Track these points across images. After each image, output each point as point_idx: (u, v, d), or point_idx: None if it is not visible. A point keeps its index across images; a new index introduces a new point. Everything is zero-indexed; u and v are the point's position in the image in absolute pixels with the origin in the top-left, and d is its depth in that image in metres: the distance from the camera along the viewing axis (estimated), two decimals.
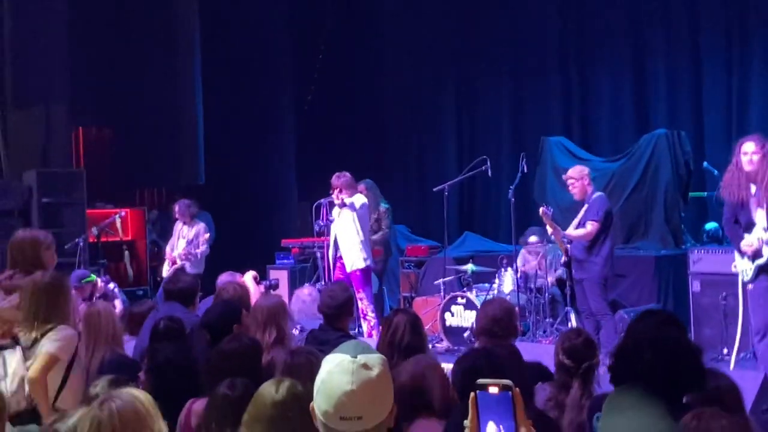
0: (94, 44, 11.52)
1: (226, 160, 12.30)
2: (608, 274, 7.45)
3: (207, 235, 9.64)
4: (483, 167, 9.04)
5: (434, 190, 9.44)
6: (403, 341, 4.00)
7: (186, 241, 9.66)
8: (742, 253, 6.13)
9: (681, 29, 10.61)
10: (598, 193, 7.67)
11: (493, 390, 1.77)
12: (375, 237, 9.25)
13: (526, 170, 8.77)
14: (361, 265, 8.21)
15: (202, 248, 9.60)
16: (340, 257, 8.30)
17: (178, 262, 9.59)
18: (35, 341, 3.98)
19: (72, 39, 11.17)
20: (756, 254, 6.02)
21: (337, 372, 1.97)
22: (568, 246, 7.56)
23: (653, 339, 2.35)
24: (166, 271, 9.66)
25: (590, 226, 7.30)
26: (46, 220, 9.95)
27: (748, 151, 5.95)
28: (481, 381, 1.78)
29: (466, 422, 1.78)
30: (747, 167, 5.90)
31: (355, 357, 1.98)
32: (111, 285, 8.41)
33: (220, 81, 12.36)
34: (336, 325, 4.67)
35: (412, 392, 3.21)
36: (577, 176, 7.57)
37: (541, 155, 10.30)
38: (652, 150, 9.29)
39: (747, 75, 10.01)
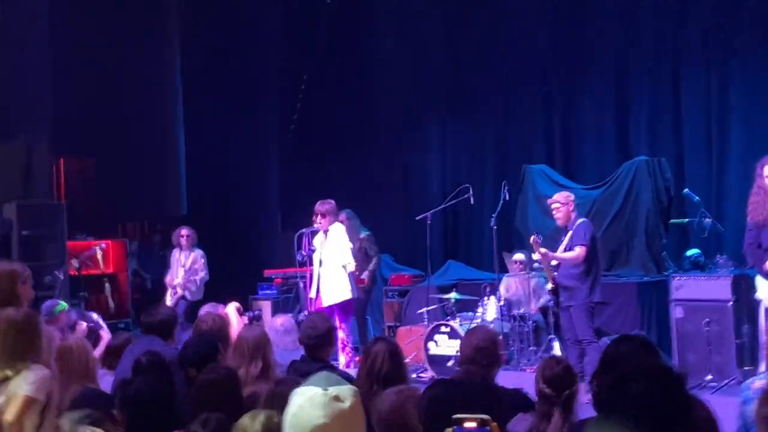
0: (75, 75, 11.49)
1: (208, 190, 12.28)
2: (595, 300, 7.45)
3: (202, 261, 9.75)
4: (466, 195, 9.08)
5: (417, 218, 9.46)
6: (382, 370, 3.97)
7: (184, 269, 9.72)
8: (766, 276, 6.19)
9: (661, 58, 10.71)
10: (582, 219, 7.67)
11: (470, 425, 1.74)
12: (371, 267, 9.31)
13: (508, 198, 8.81)
14: (345, 297, 8.19)
15: (201, 274, 9.69)
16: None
17: (180, 291, 9.66)
18: (6, 379, 3.90)
19: (54, 70, 11.17)
20: None
21: (308, 406, 1.94)
22: (555, 274, 7.52)
23: (640, 366, 2.33)
24: (169, 300, 9.69)
25: (579, 250, 7.28)
26: (25, 252, 9.87)
27: None
28: (457, 416, 1.75)
29: None
30: None
31: (327, 390, 1.96)
32: (95, 315, 8.32)
33: (202, 111, 12.36)
34: (317, 356, 4.60)
35: (392, 423, 3.17)
36: (563, 201, 7.56)
37: (523, 183, 10.34)
38: (632, 177, 9.34)
39: (726, 103, 10.10)
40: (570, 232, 7.45)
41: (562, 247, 7.45)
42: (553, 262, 7.53)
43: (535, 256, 7.74)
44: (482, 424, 1.74)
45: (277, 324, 5.72)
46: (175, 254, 9.93)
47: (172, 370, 4.54)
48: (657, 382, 2.28)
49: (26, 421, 3.83)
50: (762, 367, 6.45)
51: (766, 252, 6.24)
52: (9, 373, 3.91)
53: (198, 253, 9.83)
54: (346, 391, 1.98)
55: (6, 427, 3.77)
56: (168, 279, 9.92)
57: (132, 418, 3.37)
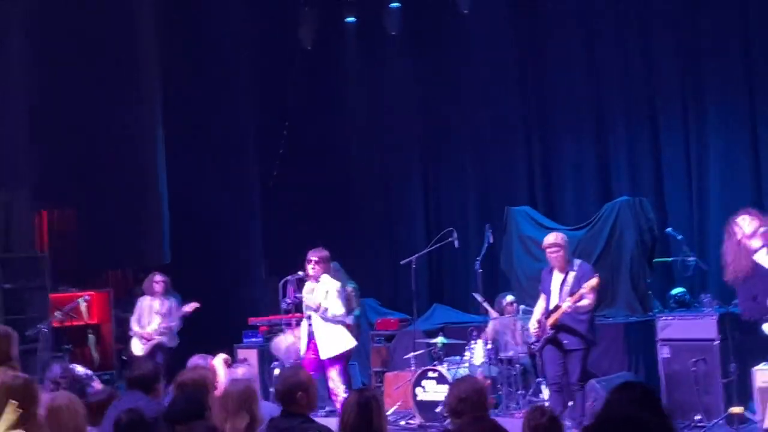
0: (55, 127, 11.47)
1: (190, 238, 12.20)
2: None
3: (192, 306, 9.70)
4: (450, 239, 9.08)
5: (402, 263, 9.44)
6: (349, 423, 3.88)
7: (160, 315, 9.58)
8: None
9: (639, 99, 10.83)
10: (580, 261, 7.65)
11: None
12: (349, 322, 9.14)
13: (492, 240, 8.82)
14: (348, 347, 8.12)
15: (176, 322, 9.66)
16: (314, 339, 8.12)
17: (156, 338, 9.50)
18: None
19: (33, 122, 11.14)
20: None
21: None
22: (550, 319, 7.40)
23: (631, 418, 2.32)
24: (139, 350, 9.56)
25: (591, 296, 7.23)
26: (7, 306, 9.78)
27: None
28: None
29: None
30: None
31: None
32: (81, 369, 8.20)
33: (183, 159, 12.33)
34: (294, 411, 4.50)
35: None
36: (562, 243, 7.49)
37: (507, 225, 10.37)
38: (615, 217, 9.39)
39: (704, 142, 10.21)
40: (572, 274, 7.35)
41: (567, 289, 7.32)
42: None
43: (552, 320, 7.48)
44: None
45: (237, 374, 5.64)
46: (146, 301, 9.77)
47: (156, 426, 4.48)
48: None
49: None
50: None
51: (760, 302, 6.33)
52: None
53: (173, 300, 9.78)
54: None
55: None
56: (135, 328, 9.73)
57: None
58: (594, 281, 7.19)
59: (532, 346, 7.78)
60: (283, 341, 8.84)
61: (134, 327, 9.75)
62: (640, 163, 10.78)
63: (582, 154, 11.33)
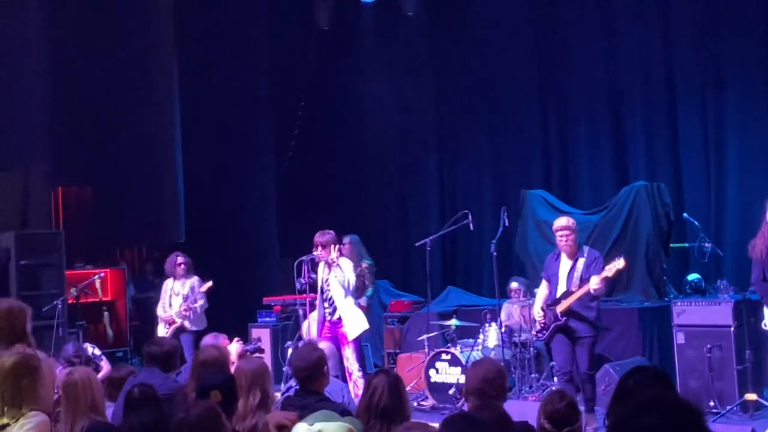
0: (73, 104, 11.51)
1: (206, 217, 12.25)
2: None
3: (208, 284, 9.20)
4: (465, 221, 9.04)
5: (416, 245, 9.43)
6: (380, 404, 3.89)
7: (182, 296, 9.19)
8: None
9: (657, 83, 10.76)
10: (587, 247, 7.57)
11: None
12: (363, 303, 9.13)
13: (507, 224, 8.77)
14: (364, 329, 8.11)
15: (201, 302, 9.17)
16: (331, 320, 8.12)
17: (178, 321, 9.14)
18: (5, 427, 3.87)
19: (51, 99, 11.19)
20: None
21: None
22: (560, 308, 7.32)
23: (654, 400, 2.29)
24: (162, 332, 9.14)
25: (603, 282, 7.12)
26: (24, 282, 9.83)
27: None
28: None
29: None
30: None
31: (312, 425, 1.95)
32: (90, 348, 8.26)
33: (199, 138, 12.36)
34: (310, 389, 4.52)
35: None
36: (573, 227, 7.30)
37: (522, 208, 10.33)
38: (632, 202, 9.33)
39: (722, 126, 10.14)
40: (581, 260, 7.28)
41: (577, 274, 7.18)
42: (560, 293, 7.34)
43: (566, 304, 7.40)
44: None
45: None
46: (168, 284, 9.38)
47: (170, 403, 4.51)
48: (672, 416, 2.25)
49: None
50: None
51: None
52: (7, 420, 3.87)
53: (195, 279, 9.32)
54: (333, 426, 1.96)
55: None
56: (159, 312, 9.37)
57: None
58: (621, 263, 7.04)
59: (538, 335, 7.61)
60: (307, 326, 8.79)
61: (158, 311, 9.38)
62: (658, 148, 10.72)
63: (599, 138, 11.28)
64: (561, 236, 7.32)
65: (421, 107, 12.86)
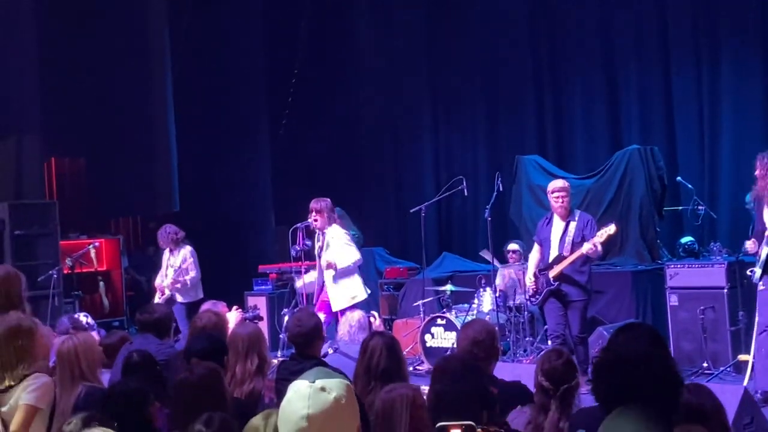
0: (65, 75, 11.46)
1: (200, 186, 12.24)
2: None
3: (192, 260, 9.11)
4: (459, 187, 9.05)
5: (411, 211, 9.44)
6: (380, 366, 3.91)
7: (174, 269, 9.13)
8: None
9: (651, 46, 10.71)
10: (578, 211, 7.59)
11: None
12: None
13: (501, 189, 8.77)
14: (359, 299, 8.03)
15: (192, 274, 9.08)
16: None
17: (167, 293, 9.09)
18: (9, 388, 3.90)
19: (43, 70, 11.12)
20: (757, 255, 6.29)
21: (295, 398, 1.95)
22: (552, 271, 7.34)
23: (636, 354, 2.32)
24: (157, 301, 9.06)
25: (602, 245, 7.10)
26: (18, 252, 9.83)
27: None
28: (441, 424, 1.74)
29: None
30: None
31: (313, 382, 1.96)
32: (83, 318, 8.25)
33: (192, 107, 12.32)
34: (307, 353, 4.55)
35: (383, 422, 3.10)
36: (568, 189, 7.33)
37: (516, 174, 10.33)
38: (625, 166, 9.33)
39: (716, 90, 10.10)
40: (573, 224, 7.28)
41: (569, 239, 7.18)
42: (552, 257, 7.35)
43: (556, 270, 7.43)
44: (467, 430, 1.72)
45: (354, 319, 5.61)
46: (166, 254, 9.36)
47: (169, 369, 4.53)
48: (656, 370, 2.28)
49: (33, 430, 3.82)
50: None
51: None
52: (10, 382, 3.90)
53: (187, 250, 9.22)
54: (333, 383, 1.97)
55: None
56: (157, 282, 9.37)
57: (122, 417, 3.34)
58: (612, 228, 7.07)
59: (531, 300, 7.62)
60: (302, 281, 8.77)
61: (156, 281, 9.40)
62: (652, 112, 10.70)
63: (592, 103, 11.25)
64: (556, 197, 7.33)
65: (416, 73, 12.80)
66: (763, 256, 6.22)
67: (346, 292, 7.90)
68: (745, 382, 6.56)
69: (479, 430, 1.72)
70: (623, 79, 11.01)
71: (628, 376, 2.22)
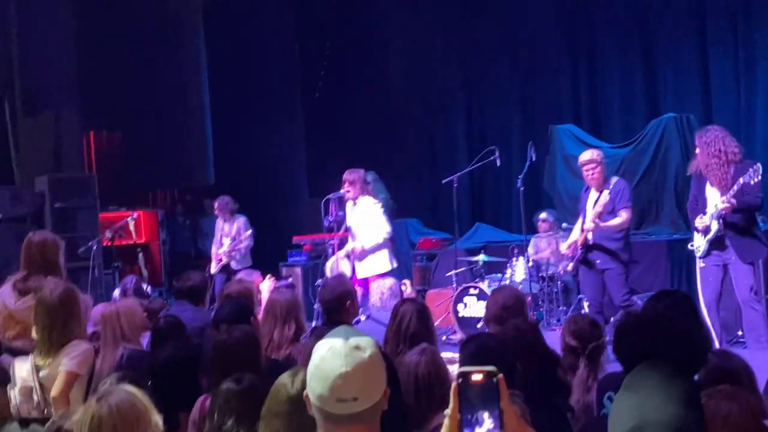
0: (101, 49, 11.57)
1: (235, 159, 12.34)
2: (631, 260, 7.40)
3: (249, 231, 9.69)
4: (492, 157, 9.00)
5: (443, 182, 9.43)
6: (409, 330, 3.96)
7: (230, 238, 9.72)
8: (698, 230, 6.45)
9: (687, 14, 10.55)
10: (617, 178, 7.48)
11: (477, 378, 1.73)
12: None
13: (534, 159, 8.73)
14: (383, 270, 8.04)
15: (245, 243, 9.68)
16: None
17: (224, 260, 9.69)
18: (49, 353, 4.00)
19: (80, 45, 11.24)
20: (706, 230, 6.35)
21: (330, 356, 1.98)
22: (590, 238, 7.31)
23: (656, 315, 2.35)
24: (213, 269, 9.80)
25: (625, 214, 7.06)
26: (58, 224, 10.00)
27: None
28: (463, 369, 1.75)
29: (447, 411, 1.74)
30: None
31: (347, 340, 1.99)
32: (145, 286, 8.47)
33: (227, 81, 12.39)
34: (337, 320, 4.57)
35: (432, 384, 3.16)
36: (598, 159, 7.22)
37: (550, 144, 10.28)
38: (661, 134, 9.25)
39: (753, 57, 9.96)
40: (606, 192, 7.24)
41: (599, 209, 7.11)
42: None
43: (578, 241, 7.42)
44: (489, 376, 1.73)
45: (385, 287, 5.67)
46: (219, 224, 9.95)
47: (203, 335, 4.62)
48: (669, 328, 2.30)
49: (71, 396, 3.93)
50: None
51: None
52: (50, 349, 3.99)
53: (241, 221, 9.81)
54: (365, 341, 2.01)
55: (53, 402, 3.87)
56: (213, 249, 9.96)
57: (156, 383, 3.44)
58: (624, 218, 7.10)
59: (567, 269, 7.61)
60: (333, 263, 8.83)
61: (213, 248, 9.98)
62: (688, 80, 10.57)
63: (628, 71, 11.13)
64: (587, 170, 7.27)
65: (449, 42, 12.73)
66: (713, 231, 6.29)
67: (373, 263, 7.93)
68: None
69: (500, 377, 1.74)
70: (659, 47, 10.87)
71: (648, 335, 2.24)
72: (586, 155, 7.38)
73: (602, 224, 7.06)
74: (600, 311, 7.20)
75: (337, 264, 8.28)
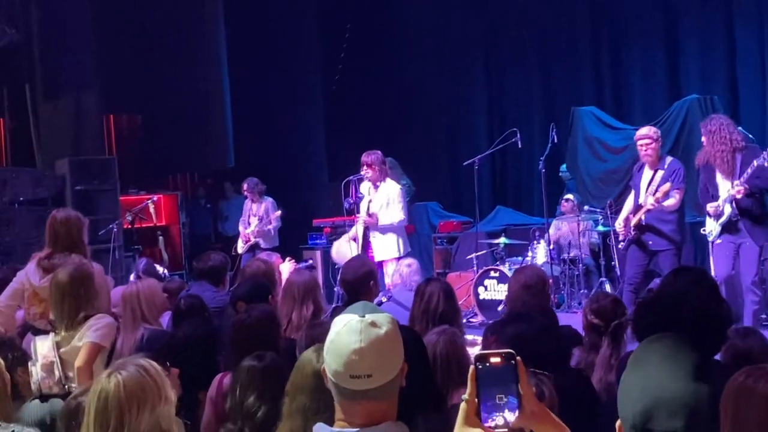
0: (121, 32, 11.58)
1: (254, 142, 12.34)
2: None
3: (278, 212, 9.93)
4: (513, 139, 8.94)
5: (464, 164, 9.37)
6: (438, 309, 3.95)
7: (258, 218, 9.95)
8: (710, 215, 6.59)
9: None
10: (671, 158, 7.24)
11: (495, 360, 1.71)
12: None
13: (556, 141, 8.66)
14: (395, 255, 7.99)
15: (274, 224, 9.93)
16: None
17: (252, 240, 9.92)
18: (66, 329, 4.02)
19: (99, 28, 11.24)
20: (719, 214, 6.48)
21: (345, 332, 1.95)
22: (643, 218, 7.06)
23: (675, 292, 2.30)
24: (240, 248, 10.04)
25: (678, 195, 6.90)
26: (79, 207, 9.98)
27: None
28: (481, 352, 1.73)
29: (464, 396, 1.72)
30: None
31: (363, 316, 1.96)
32: (161, 269, 8.55)
33: (246, 64, 12.37)
34: (359, 300, 4.59)
35: (451, 363, 3.13)
36: (654, 136, 7.01)
37: (572, 126, 10.18)
38: (684, 116, 9.12)
39: None
40: (660, 172, 6.97)
41: (653, 188, 6.94)
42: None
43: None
44: (507, 358, 1.71)
45: (403, 265, 5.65)
46: (247, 204, 10.19)
47: (220, 316, 4.62)
48: (687, 303, 2.25)
49: (95, 367, 3.95)
50: None
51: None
52: (68, 324, 4.02)
53: (269, 202, 10.05)
54: (382, 317, 1.98)
55: (77, 373, 3.89)
56: (240, 228, 10.19)
57: (175, 363, 3.44)
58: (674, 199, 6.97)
59: (619, 246, 7.41)
60: (339, 245, 8.81)
61: (240, 227, 10.23)
62: (712, 61, 10.42)
63: (651, 52, 10.99)
64: (642, 145, 7.04)
65: (469, 23, 12.63)
66: (726, 215, 6.39)
67: (387, 246, 7.89)
68: None
69: (518, 358, 1.71)
70: (683, 28, 10.72)
71: (666, 311, 2.20)
72: (643, 130, 7.16)
73: (657, 206, 6.87)
74: (636, 291, 7.07)
75: (342, 246, 8.28)
